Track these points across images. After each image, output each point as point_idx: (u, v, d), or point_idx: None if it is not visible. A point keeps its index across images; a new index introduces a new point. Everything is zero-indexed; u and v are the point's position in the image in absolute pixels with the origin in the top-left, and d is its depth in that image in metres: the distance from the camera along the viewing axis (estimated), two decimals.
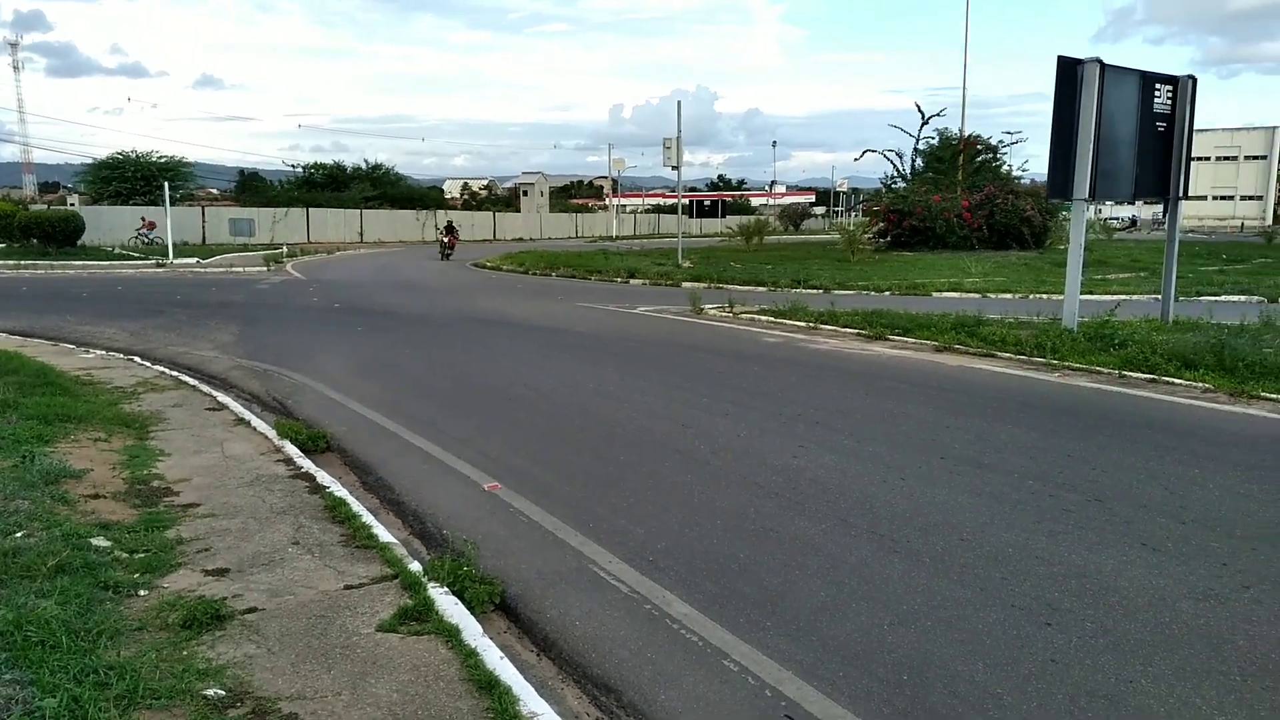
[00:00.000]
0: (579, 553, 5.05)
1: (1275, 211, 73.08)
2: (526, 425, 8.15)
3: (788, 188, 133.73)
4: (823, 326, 14.21)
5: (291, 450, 6.90)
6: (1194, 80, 13.85)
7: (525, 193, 73.70)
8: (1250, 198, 76.04)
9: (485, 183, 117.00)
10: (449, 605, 4.15)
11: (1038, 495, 5.90)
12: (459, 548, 4.93)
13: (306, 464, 6.54)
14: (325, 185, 61.04)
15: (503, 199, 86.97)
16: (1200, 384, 9.26)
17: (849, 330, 13.68)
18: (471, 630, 3.93)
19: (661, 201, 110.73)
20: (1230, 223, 64.28)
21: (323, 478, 6.20)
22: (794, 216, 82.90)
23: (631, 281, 25.54)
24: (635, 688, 3.72)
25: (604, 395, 9.46)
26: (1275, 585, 4.43)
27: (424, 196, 71.21)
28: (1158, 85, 13.48)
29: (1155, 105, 13.45)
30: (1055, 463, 6.67)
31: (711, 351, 12.57)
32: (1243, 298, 18.86)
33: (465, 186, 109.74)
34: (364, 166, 65.70)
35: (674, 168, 33.67)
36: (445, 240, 38.72)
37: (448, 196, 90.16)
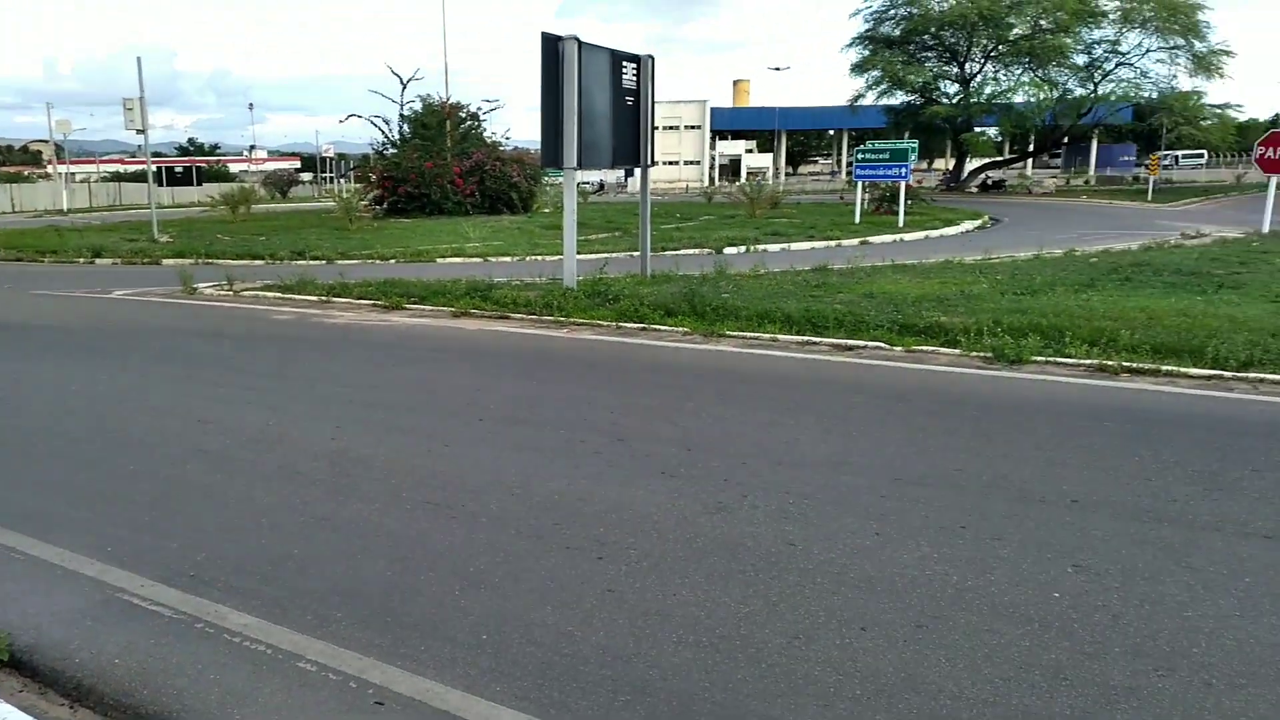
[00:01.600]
0: (100, 583, 4.39)
1: (710, 175, 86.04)
2: None
3: (270, 153, 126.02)
4: (336, 299, 13.77)
5: None
6: (652, 59, 15.70)
7: None
8: (691, 163, 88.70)
9: None
10: None
11: (571, 443, 6.40)
12: None
13: None
14: None
15: None
16: (680, 328, 10.70)
17: (364, 301, 13.44)
18: None
19: (122, 169, 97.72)
20: (677, 185, 74.35)
21: None
22: (281, 183, 78.30)
23: (99, 262, 22.31)
24: (202, 715, 3.37)
25: (97, 397, 8.22)
26: (765, 492, 5.34)
27: None
28: (625, 63, 15.03)
29: (624, 81, 15.00)
30: (580, 411, 7.29)
31: (217, 335, 11.53)
32: (697, 250, 22.02)
33: None
34: None
35: (139, 131, 29.81)
36: None
37: None
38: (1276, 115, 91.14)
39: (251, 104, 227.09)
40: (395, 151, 40.79)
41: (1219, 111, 56.83)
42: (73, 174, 77.64)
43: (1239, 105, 60.06)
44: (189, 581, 4.37)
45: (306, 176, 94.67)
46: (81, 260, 22.57)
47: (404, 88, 43.23)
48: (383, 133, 42.80)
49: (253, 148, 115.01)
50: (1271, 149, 21.63)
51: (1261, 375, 7.72)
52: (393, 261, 20.81)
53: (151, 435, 6.90)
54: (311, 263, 20.23)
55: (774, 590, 4.13)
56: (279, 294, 14.58)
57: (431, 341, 10.72)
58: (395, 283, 14.29)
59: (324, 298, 13.92)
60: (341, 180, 72.48)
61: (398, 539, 4.84)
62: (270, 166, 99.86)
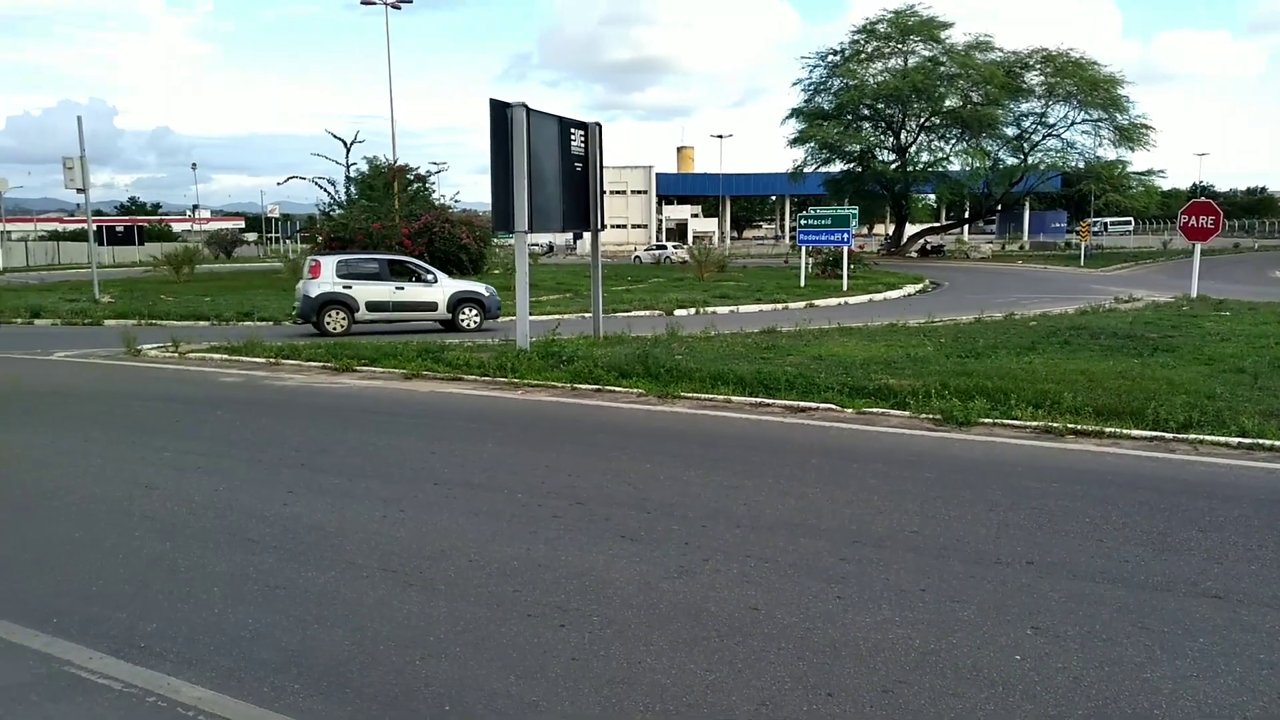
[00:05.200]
0: (46, 655, 4.22)
1: (657, 238, 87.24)
2: None
3: (213, 213, 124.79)
4: (285, 361, 13.59)
5: None
6: (600, 126, 16.01)
7: None
8: (639, 226, 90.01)
9: None
10: None
11: (528, 506, 6.36)
12: None
13: None
14: None
15: None
16: (635, 389, 10.75)
17: (313, 364, 13.28)
18: None
19: (60, 228, 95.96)
20: (625, 248, 75.14)
21: None
22: (225, 243, 77.49)
23: (38, 322, 21.84)
24: None
25: (34, 462, 7.97)
26: (726, 555, 5.35)
27: None
28: (573, 129, 15.32)
29: (572, 147, 15.27)
30: (537, 474, 7.25)
31: (163, 399, 11.28)
32: (647, 312, 22.23)
33: None
34: None
35: (80, 190, 29.42)
36: None
37: None
38: (1194, 185, 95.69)
39: (195, 164, 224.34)
40: (342, 212, 40.67)
41: (1143, 179, 59.52)
42: (8, 232, 75.97)
43: (1162, 172, 62.93)
44: (140, 653, 4.23)
45: (251, 236, 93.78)
46: (19, 320, 22.03)
47: (348, 150, 43.29)
48: (328, 194, 42.73)
49: (196, 207, 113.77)
50: (1194, 217, 22.64)
51: (1201, 436, 7.98)
52: None
53: (96, 502, 6.70)
54: (259, 324, 19.98)
55: (739, 656, 4.12)
56: (226, 355, 14.34)
57: (383, 404, 10.61)
58: (345, 345, 14.17)
59: (273, 359, 13.73)
60: (288, 240, 71.89)
61: (354, 607, 4.74)
62: (214, 226, 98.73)
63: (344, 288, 19.13)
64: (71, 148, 27.65)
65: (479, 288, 20.94)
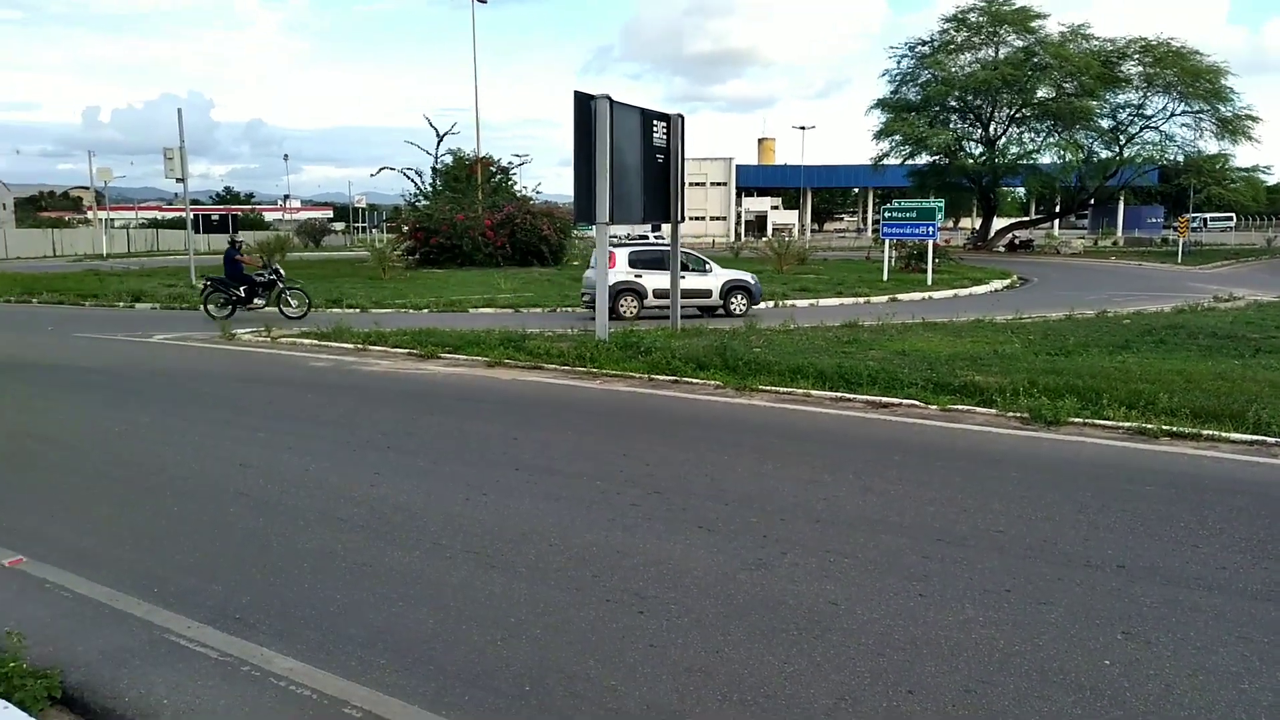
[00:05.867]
0: (148, 623, 4.43)
1: (736, 230, 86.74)
2: (44, 484, 6.91)
3: (303, 202, 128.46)
4: (372, 347, 13.94)
5: None
6: (682, 118, 15.98)
7: None
8: (717, 218, 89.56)
9: None
10: None
11: (607, 494, 6.42)
12: None
13: None
14: None
15: None
16: (713, 381, 10.73)
17: (400, 350, 13.59)
18: None
19: (159, 215, 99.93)
20: (704, 240, 74.88)
21: None
22: (314, 232, 79.84)
23: (138, 306, 22.76)
24: None
25: (139, 439, 8.35)
26: (805, 549, 5.32)
27: None
28: (655, 121, 15.32)
29: (654, 139, 15.27)
30: (615, 462, 7.31)
31: (256, 380, 11.69)
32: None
33: None
34: None
35: (179, 179, 30.65)
36: None
37: None
38: None
39: (286, 155, 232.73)
40: (427, 203, 41.51)
41: (1247, 175, 56.80)
42: (112, 220, 79.40)
43: (1267, 168, 59.91)
44: (235, 624, 4.40)
45: (339, 226, 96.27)
46: (121, 304, 23.02)
47: (440, 140, 44.07)
48: (415, 185, 43.63)
49: (287, 197, 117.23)
50: None
51: None
52: (426, 311, 21.06)
53: (194, 478, 6.99)
54: (347, 310, 20.52)
55: (817, 650, 4.10)
56: (316, 341, 14.78)
57: (466, 391, 10.81)
58: (430, 332, 14.45)
59: (360, 346, 14.10)
60: (374, 230, 73.59)
61: (438, 587, 4.85)
62: (304, 216, 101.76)
63: (635, 276, 20.42)
64: (171, 139, 28.81)
65: (747, 276, 21.95)
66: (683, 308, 18.51)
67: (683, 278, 18.73)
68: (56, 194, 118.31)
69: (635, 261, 20.64)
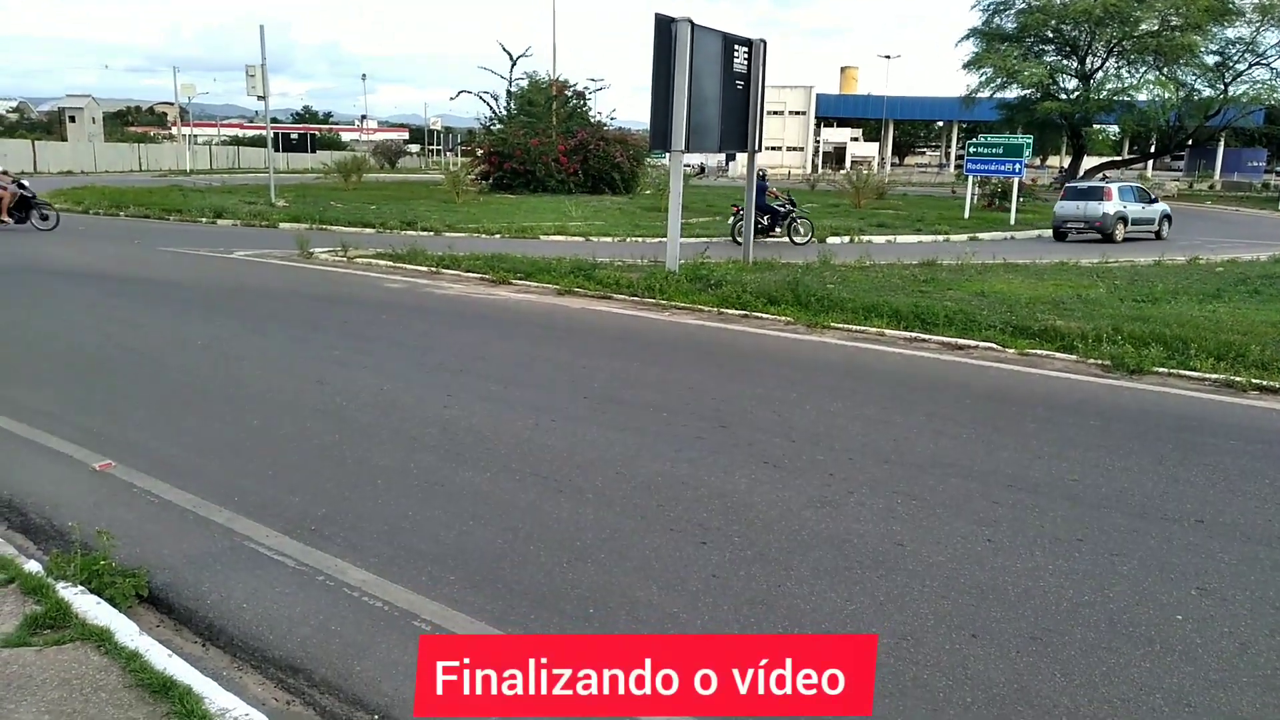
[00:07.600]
0: (229, 530, 4.62)
1: (813, 162, 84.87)
2: (131, 393, 7.20)
3: (379, 124, 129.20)
4: (445, 271, 14.10)
5: None
6: (765, 43, 15.52)
7: (72, 118, 63.85)
8: (795, 149, 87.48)
9: (15, 104, 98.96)
10: (89, 606, 3.61)
11: (673, 425, 6.44)
12: (86, 539, 4.27)
13: None
14: None
15: (40, 124, 74.15)
16: (783, 317, 10.61)
17: (472, 275, 13.72)
18: (126, 630, 3.46)
19: (240, 133, 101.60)
20: (780, 171, 73.44)
21: None
22: (390, 154, 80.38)
23: (220, 222, 23.31)
24: (325, 663, 3.53)
25: (222, 353, 8.61)
26: (872, 489, 5.28)
27: None
28: (736, 46, 14.90)
29: (735, 65, 14.88)
30: (682, 395, 7.32)
31: (332, 300, 11.94)
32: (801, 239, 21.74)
33: None
34: None
35: (260, 97, 31.00)
36: None
37: None
38: None
39: (365, 75, 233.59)
40: (501, 128, 41.36)
41: None
42: (195, 136, 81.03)
43: None
44: (311, 535, 4.56)
45: (414, 148, 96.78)
46: (204, 220, 23.61)
47: (513, 64, 43.65)
48: (491, 109, 43.43)
49: (364, 118, 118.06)
50: None
51: None
52: (498, 236, 21.16)
53: (272, 393, 7.21)
54: (420, 233, 20.73)
55: (881, 590, 4.09)
56: (391, 263, 15.00)
57: (537, 317, 10.89)
58: (502, 258, 14.53)
59: (433, 269, 14.26)
60: (449, 153, 73.86)
61: (507, 508, 4.95)
62: (380, 137, 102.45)
63: (1122, 207, 24.61)
64: (250, 56, 29.07)
65: (1162, 206, 26.14)
66: (1139, 234, 24.35)
67: (1143, 209, 25.35)
68: (143, 109, 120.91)
69: (1123, 197, 24.70)
